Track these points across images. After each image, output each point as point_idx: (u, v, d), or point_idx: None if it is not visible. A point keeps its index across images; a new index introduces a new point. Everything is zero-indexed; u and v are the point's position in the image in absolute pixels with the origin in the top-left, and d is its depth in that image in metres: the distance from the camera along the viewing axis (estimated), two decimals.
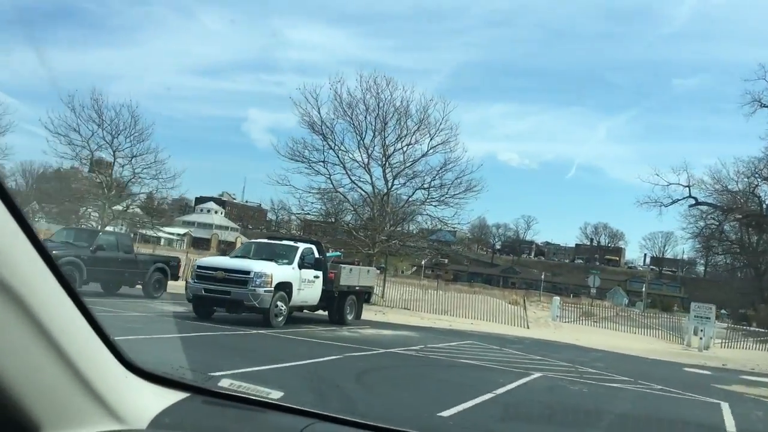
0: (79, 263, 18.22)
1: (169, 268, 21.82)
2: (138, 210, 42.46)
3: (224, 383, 2.05)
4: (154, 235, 57.96)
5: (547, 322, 33.29)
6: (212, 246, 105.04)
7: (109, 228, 33.89)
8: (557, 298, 40.59)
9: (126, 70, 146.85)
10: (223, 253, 21.07)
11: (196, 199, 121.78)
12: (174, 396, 1.73)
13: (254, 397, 1.91)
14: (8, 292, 1.20)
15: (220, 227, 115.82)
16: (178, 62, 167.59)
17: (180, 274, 22.92)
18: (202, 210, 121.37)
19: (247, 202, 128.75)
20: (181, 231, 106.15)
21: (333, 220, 36.21)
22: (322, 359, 12.09)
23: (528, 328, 28.69)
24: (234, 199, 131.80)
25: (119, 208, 37.41)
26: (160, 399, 1.67)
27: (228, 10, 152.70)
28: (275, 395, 1.97)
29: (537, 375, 13.20)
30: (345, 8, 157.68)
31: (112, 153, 36.08)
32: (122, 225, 40.43)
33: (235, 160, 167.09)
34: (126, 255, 20.25)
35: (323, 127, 33.29)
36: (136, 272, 20.47)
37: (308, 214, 34.78)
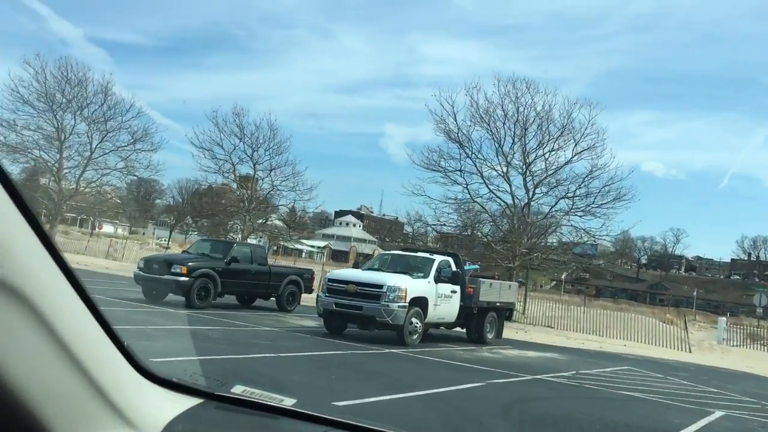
0: (213, 275, 18.05)
1: (303, 281, 21.34)
2: (279, 222, 43.23)
3: (237, 389, 1.96)
4: (296, 247, 59.30)
5: (711, 345, 29.74)
6: (350, 258, 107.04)
7: (251, 240, 34.50)
8: (723, 318, 36.38)
9: (269, 90, 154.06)
10: (356, 265, 20.13)
11: (336, 212, 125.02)
12: (187, 402, 1.70)
13: (267, 404, 1.86)
14: (20, 296, 1.17)
15: (358, 240, 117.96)
16: (319, 81, 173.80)
17: (313, 286, 22.41)
18: (341, 223, 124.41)
19: (384, 215, 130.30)
20: (321, 244, 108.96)
21: (469, 233, 34.70)
22: (462, 386, 10.67)
23: (690, 351, 25.62)
24: (371, 212, 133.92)
25: (261, 221, 38.15)
26: (173, 405, 1.64)
27: (366, 30, 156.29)
28: (288, 402, 1.88)
29: (718, 414, 11.01)
30: (479, 22, 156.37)
31: (252, 166, 36.88)
32: (262, 237, 41.21)
33: (372, 174, 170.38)
34: (260, 267, 19.95)
35: (459, 135, 32.01)
36: (270, 285, 20.10)
37: (444, 225, 33.50)
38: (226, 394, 1.87)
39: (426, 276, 16.26)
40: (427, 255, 17.60)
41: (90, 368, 1.38)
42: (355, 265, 20.35)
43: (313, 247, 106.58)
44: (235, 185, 40.92)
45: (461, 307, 17.32)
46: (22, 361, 1.23)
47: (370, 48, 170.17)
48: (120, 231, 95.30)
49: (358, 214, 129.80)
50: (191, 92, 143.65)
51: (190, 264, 17.70)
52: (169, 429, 1.57)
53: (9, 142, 40.66)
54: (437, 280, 16.35)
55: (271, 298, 20.53)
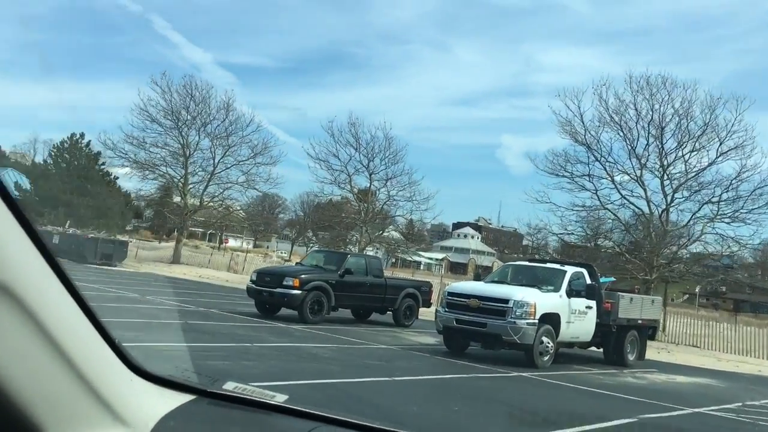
0: (327, 288, 17.15)
1: (421, 294, 20.06)
2: (396, 234, 42.44)
3: (229, 386, 1.87)
4: (414, 259, 58.54)
5: None
6: (469, 271, 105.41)
7: (369, 251, 33.78)
8: None
9: (385, 105, 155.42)
10: (477, 277, 18.58)
11: (453, 224, 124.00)
12: (179, 399, 1.68)
13: (259, 400, 1.82)
14: (9, 293, 1.18)
15: (476, 252, 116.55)
16: (435, 95, 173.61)
17: (432, 300, 21.09)
18: (458, 235, 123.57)
19: (502, 226, 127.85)
20: (439, 256, 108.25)
21: (593, 244, 32.14)
22: (610, 424, 8.92)
23: None
24: (490, 224, 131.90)
25: (379, 232, 37.47)
26: (165, 402, 1.63)
27: (481, 42, 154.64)
28: (280, 398, 1.82)
29: None
30: (598, 27, 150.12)
31: (368, 176, 36.26)
32: (379, 249, 40.47)
33: (489, 185, 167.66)
34: (376, 279, 18.87)
35: (587, 137, 29.72)
36: (386, 298, 18.98)
37: (572, 233, 31.19)
38: (218, 391, 1.84)
39: (557, 289, 14.52)
40: (557, 266, 15.83)
41: (81, 365, 1.37)
42: (476, 277, 18.77)
43: (431, 259, 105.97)
44: (351, 196, 40.63)
45: (597, 325, 15.39)
46: (12, 359, 1.24)
47: (486, 59, 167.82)
48: (245, 245, 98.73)
49: (476, 226, 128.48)
50: (310, 110, 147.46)
51: (302, 276, 16.90)
52: (161, 425, 1.55)
53: (139, 159, 42.46)
54: (570, 294, 14.57)
55: (388, 312, 19.41)
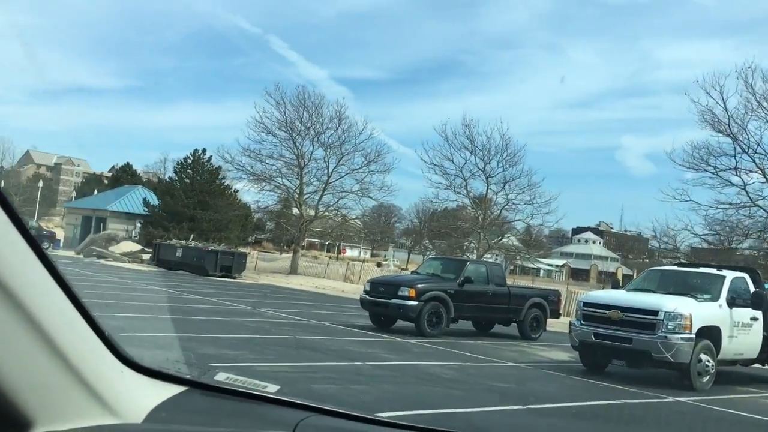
0: (445, 298, 15.78)
1: (548, 304, 18.23)
2: (514, 241, 40.46)
3: (220, 377, 1.89)
4: (533, 266, 56.29)
5: None
6: (591, 277, 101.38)
7: (487, 258, 32.10)
8: None
9: (498, 111, 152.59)
10: (616, 285, 16.57)
11: (573, 230, 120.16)
12: (171, 390, 1.68)
13: (251, 391, 1.82)
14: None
15: (599, 258, 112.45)
16: (549, 98, 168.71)
17: (560, 310, 19.20)
18: (579, 240, 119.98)
19: (625, 230, 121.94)
20: (559, 262, 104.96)
21: (728, 245, 28.71)
22: None
23: None
24: (611, 228, 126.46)
25: (498, 238, 35.64)
26: (156, 393, 1.63)
27: (595, 42, 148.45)
28: (272, 388, 1.84)
29: None
30: (723, 18, 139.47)
31: (485, 179, 34.58)
32: (498, 255, 38.58)
33: (610, 189, 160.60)
34: (498, 288, 17.28)
35: (731, 125, 26.61)
36: (510, 308, 17.34)
37: (718, 234, 28.00)
38: (210, 382, 1.82)
39: (715, 298, 12.40)
40: (713, 271, 13.62)
41: (70, 357, 1.38)
42: (615, 285, 16.78)
43: (550, 266, 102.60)
44: (468, 201, 39.17)
45: (765, 339, 13.11)
46: (1, 350, 1.23)
47: (601, 59, 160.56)
48: (362, 254, 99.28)
49: (597, 231, 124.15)
50: (423, 119, 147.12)
51: (418, 286, 15.63)
52: (152, 416, 1.56)
53: (256, 171, 43.00)
54: (731, 303, 12.40)
55: (512, 324, 17.77)
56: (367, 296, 16.39)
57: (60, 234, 53.27)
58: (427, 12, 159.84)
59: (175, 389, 1.68)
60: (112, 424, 1.46)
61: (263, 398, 1.79)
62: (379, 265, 63.01)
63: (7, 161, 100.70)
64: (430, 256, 23.03)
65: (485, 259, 30.24)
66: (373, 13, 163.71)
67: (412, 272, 18.41)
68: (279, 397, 1.78)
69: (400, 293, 15.48)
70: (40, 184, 74.45)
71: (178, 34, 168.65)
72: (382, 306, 15.88)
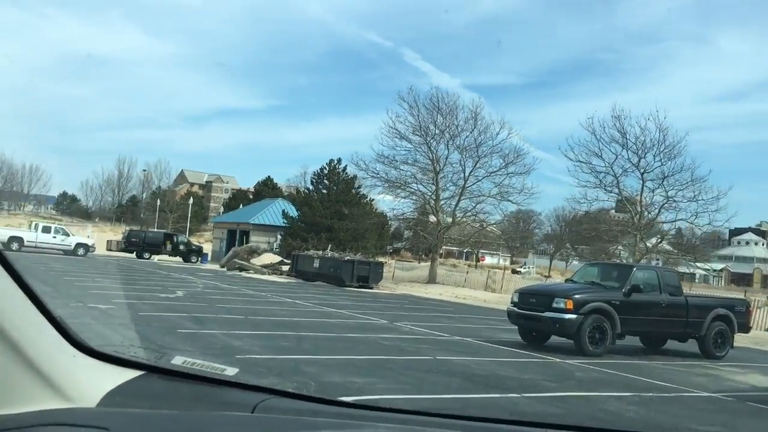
0: (609, 311, 13.42)
1: (735, 315, 15.24)
2: (665, 245, 36.48)
3: (177, 360, 1.89)
4: (688, 271, 51.52)
5: None
6: (755, 281, 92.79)
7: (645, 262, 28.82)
8: None
9: (641, 110, 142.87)
10: None
11: (730, 231, 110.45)
12: (127, 374, 1.67)
13: (209, 374, 1.79)
14: None
15: (762, 260, 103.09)
16: (696, 92, 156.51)
17: (750, 322, 16.12)
18: (738, 242, 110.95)
19: None
20: (717, 266, 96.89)
21: None
22: None
23: None
24: None
25: (657, 239, 32.04)
26: (111, 378, 1.63)
27: (748, 28, 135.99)
28: (230, 371, 1.83)
29: None
30: None
31: (639, 175, 31.15)
32: (658, 260, 34.82)
33: None
34: (672, 298, 14.60)
35: None
36: (687, 322, 14.61)
37: None
38: (167, 366, 1.80)
39: None
40: None
41: (20, 342, 1.38)
42: None
43: (707, 270, 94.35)
44: (619, 200, 35.79)
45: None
46: None
47: (755, 47, 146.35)
48: (501, 262, 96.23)
49: (758, 231, 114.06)
50: (558, 122, 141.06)
51: (577, 297, 13.40)
52: (107, 401, 1.55)
53: (390, 178, 41.97)
54: None
55: (690, 340, 15.02)
56: (515, 309, 14.35)
57: (207, 248, 55.24)
58: (560, 12, 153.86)
59: (132, 374, 1.66)
60: (65, 408, 1.46)
61: (222, 381, 1.75)
62: (514, 272, 59.92)
63: (164, 181, 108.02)
64: (589, 262, 20.46)
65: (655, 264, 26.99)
66: (504, 18, 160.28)
67: (567, 281, 16.09)
68: (238, 380, 1.76)
69: (555, 305, 13.33)
70: (191, 201, 78.18)
71: (314, 53, 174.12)
72: (534, 320, 13.79)
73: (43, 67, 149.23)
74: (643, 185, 31.35)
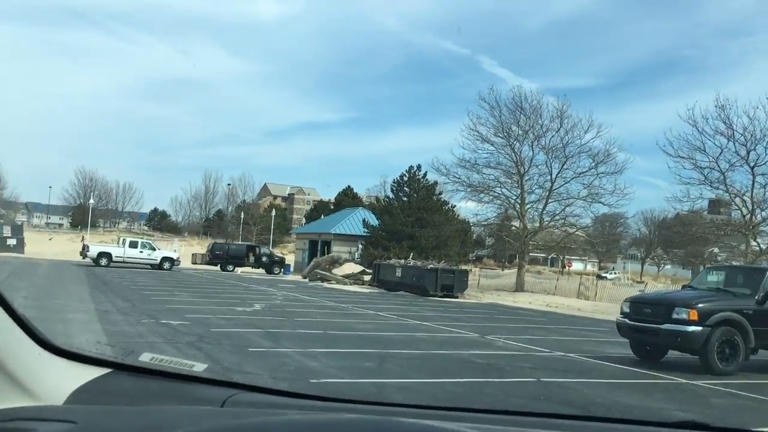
0: (740, 321, 11.50)
1: None
2: (761, 245, 33.22)
3: (145, 357, 1.81)
4: None
5: None
6: None
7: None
8: None
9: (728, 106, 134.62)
10: None
11: None
12: (94, 372, 1.65)
13: (178, 371, 1.77)
14: None
15: None
16: None
17: None
18: None
19: None
20: None
21: None
22: None
23: None
24: None
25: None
26: (78, 376, 1.61)
27: None
28: (199, 368, 1.79)
29: None
30: None
31: (749, 169, 28.28)
32: None
33: None
34: None
35: None
36: None
37: None
38: (134, 364, 1.76)
39: None
40: None
41: None
42: None
43: None
44: (711, 200, 32.99)
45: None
46: None
47: None
48: (589, 267, 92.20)
49: None
50: (641, 123, 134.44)
51: (701, 306, 11.54)
52: (74, 398, 1.53)
53: (473, 182, 40.42)
54: None
55: None
56: (626, 320, 12.58)
57: (290, 259, 55.12)
58: (640, 10, 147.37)
59: (99, 371, 1.66)
60: (30, 406, 1.45)
61: (191, 377, 1.74)
62: (599, 277, 56.72)
63: (248, 195, 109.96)
64: (711, 266, 18.29)
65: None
66: (580, 20, 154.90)
67: (686, 287, 14.13)
68: (207, 376, 1.76)
69: (675, 316, 11.52)
70: (273, 213, 78.87)
71: (389, 65, 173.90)
72: (650, 333, 12.00)
73: (136, 91, 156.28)
74: (753, 180, 28.49)
